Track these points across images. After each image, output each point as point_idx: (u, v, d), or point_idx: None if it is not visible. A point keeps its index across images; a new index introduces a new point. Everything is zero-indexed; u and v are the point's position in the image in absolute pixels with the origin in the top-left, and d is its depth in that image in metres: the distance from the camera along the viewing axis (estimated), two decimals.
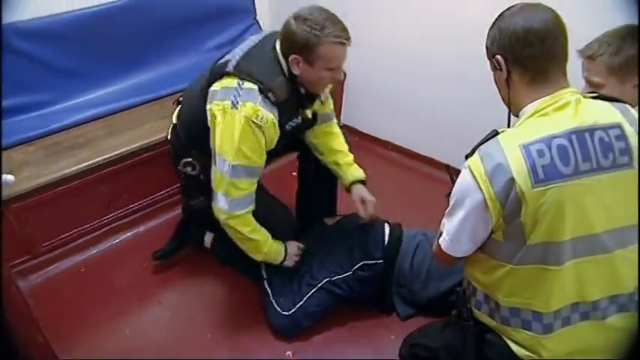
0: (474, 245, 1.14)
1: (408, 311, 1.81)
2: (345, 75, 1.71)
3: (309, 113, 1.71)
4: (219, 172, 1.58)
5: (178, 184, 2.38)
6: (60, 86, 2.36)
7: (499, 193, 1.02)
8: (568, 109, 1.04)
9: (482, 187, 1.03)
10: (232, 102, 1.49)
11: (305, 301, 1.74)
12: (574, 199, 1.01)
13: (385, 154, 2.77)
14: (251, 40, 1.64)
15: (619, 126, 1.04)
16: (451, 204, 1.14)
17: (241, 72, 1.52)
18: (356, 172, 1.89)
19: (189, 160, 1.75)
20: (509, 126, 1.16)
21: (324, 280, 1.75)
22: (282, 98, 1.53)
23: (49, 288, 2.03)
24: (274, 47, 1.56)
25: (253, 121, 1.49)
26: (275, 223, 1.76)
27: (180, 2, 2.65)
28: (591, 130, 1.03)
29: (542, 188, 1.00)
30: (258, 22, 3.05)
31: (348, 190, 1.90)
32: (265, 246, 1.72)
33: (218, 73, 1.57)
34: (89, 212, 2.20)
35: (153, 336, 1.84)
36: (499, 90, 1.17)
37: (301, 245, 1.87)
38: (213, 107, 1.54)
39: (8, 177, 1.66)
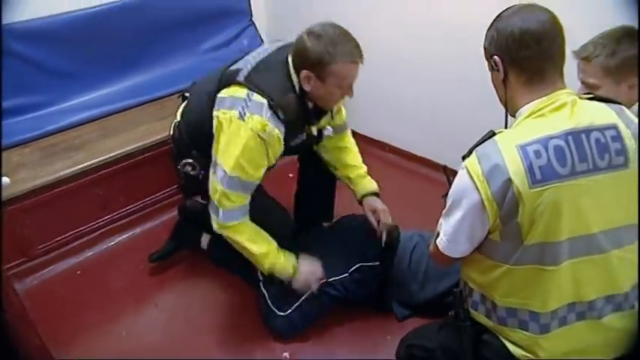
0: (471, 246, 1.14)
1: (405, 312, 1.82)
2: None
3: (314, 130, 1.70)
4: (216, 181, 1.57)
5: (174, 186, 2.38)
6: (55, 88, 2.36)
7: (496, 193, 1.02)
8: (564, 110, 1.05)
9: (480, 188, 1.03)
10: (240, 112, 1.48)
11: (301, 302, 1.74)
12: (571, 200, 1.02)
13: (382, 156, 2.77)
14: (265, 50, 1.63)
15: (615, 127, 1.05)
16: (448, 204, 1.14)
17: (252, 83, 1.51)
18: (368, 185, 1.87)
19: (190, 160, 1.74)
20: (506, 127, 1.17)
21: (321, 282, 1.75)
22: (291, 116, 1.53)
23: (44, 290, 2.02)
24: (287, 60, 1.55)
25: (259, 135, 1.48)
26: (273, 224, 1.75)
27: (176, 4, 2.66)
28: (587, 131, 1.03)
29: (539, 189, 1.00)
30: (254, 23, 3.06)
31: (361, 203, 1.88)
32: (265, 259, 1.64)
33: (228, 81, 1.55)
34: (85, 214, 2.20)
35: (149, 338, 1.84)
36: (496, 90, 1.17)
37: (321, 276, 1.73)
38: (220, 115, 1.52)
39: (4, 179, 1.66)
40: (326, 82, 1.49)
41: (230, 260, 2.01)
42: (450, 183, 1.15)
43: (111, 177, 2.17)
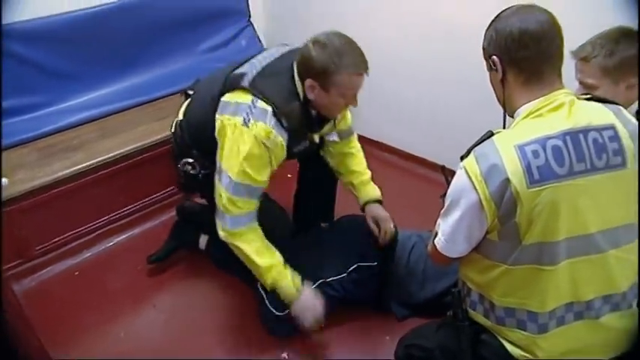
0: (469, 246, 1.14)
1: (404, 312, 1.82)
2: None
3: (316, 137, 1.70)
4: (221, 187, 1.55)
5: (173, 187, 2.39)
6: (53, 88, 2.36)
7: (494, 193, 1.02)
8: (562, 110, 1.05)
9: (478, 188, 1.04)
10: (244, 119, 1.47)
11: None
12: (568, 200, 1.02)
13: (380, 156, 2.77)
14: (271, 54, 1.62)
15: (612, 127, 1.05)
16: (446, 204, 1.14)
17: (256, 89, 1.50)
18: (371, 192, 1.86)
19: (190, 160, 1.73)
20: (504, 127, 1.17)
21: (319, 282, 1.75)
22: (294, 125, 1.52)
23: (42, 291, 2.02)
24: (292, 67, 1.54)
25: (263, 142, 1.48)
26: (271, 224, 1.75)
27: (174, 4, 2.66)
28: (585, 131, 1.04)
29: (537, 189, 1.00)
30: (252, 24, 3.06)
31: (363, 210, 1.87)
32: (268, 272, 1.59)
33: (232, 85, 1.54)
34: (83, 215, 2.20)
35: (147, 339, 1.84)
36: (494, 90, 1.18)
37: (319, 315, 1.64)
38: (225, 120, 1.51)
39: (2, 180, 1.65)
40: (330, 92, 1.48)
41: (228, 261, 2.01)
42: (449, 183, 1.15)
43: (109, 178, 2.17)
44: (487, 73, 1.18)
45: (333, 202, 2.08)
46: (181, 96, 1.89)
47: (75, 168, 2.07)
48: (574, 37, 1.33)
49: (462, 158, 1.10)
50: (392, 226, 1.80)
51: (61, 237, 2.15)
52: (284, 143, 1.53)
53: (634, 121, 1.10)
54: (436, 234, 1.19)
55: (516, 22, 1.07)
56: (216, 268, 2.06)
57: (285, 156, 1.58)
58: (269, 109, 1.48)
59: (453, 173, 1.14)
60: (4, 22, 2.05)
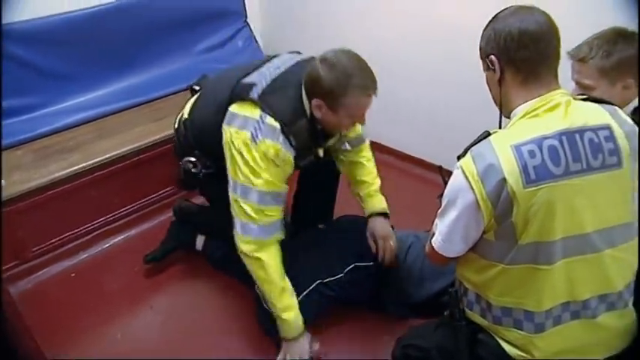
0: (465, 245, 1.14)
1: (401, 312, 1.82)
2: None
3: (321, 152, 1.69)
4: (244, 200, 1.51)
5: (170, 188, 2.39)
6: (49, 89, 2.35)
7: (491, 193, 1.03)
8: (558, 111, 1.06)
9: (474, 188, 1.04)
10: (252, 135, 1.46)
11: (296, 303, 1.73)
12: (564, 199, 1.02)
13: (378, 157, 2.75)
14: (282, 64, 1.60)
15: (608, 127, 1.06)
16: (443, 204, 1.15)
17: (265, 103, 1.48)
18: (377, 204, 1.83)
19: (192, 159, 1.73)
20: (500, 127, 1.17)
21: (316, 282, 1.75)
22: (302, 143, 1.52)
23: (39, 293, 2.02)
24: (301, 82, 1.51)
25: (272, 160, 1.47)
26: None
27: (171, 5, 2.65)
28: (581, 131, 1.04)
29: (533, 188, 1.01)
30: (249, 24, 3.06)
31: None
32: (284, 295, 1.58)
33: (241, 94, 1.52)
34: (80, 216, 2.19)
35: (144, 340, 1.83)
36: (490, 90, 1.18)
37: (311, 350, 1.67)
38: (233, 134, 1.49)
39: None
40: (338, 113, 1.47)
41: (226, 261, 2.02)
42: (446, 183, 1.15)
43: (106, 179, 2.17)
44: (484, 74, 1.18)
45: (332, 203, 2.08)
46: (187, 91, 1.87)
47: (71, 169, 2.07)
48: (574, 38, 1.35)
49: (458, 158, 1.10)
50: (392, 243, 1.77)
51: (58, 238, 2.14)
52: (292, 159, 1.52)
53: (630, 121, 1.10)
54: (433, 234, 1.20)
55: (515, 22, 1.07)
56: (213, 269, 2.06)
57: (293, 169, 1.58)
58: (277, 126, 1.47)
59: (450, 174, 1.14)
60: (2, 22, 2.04)
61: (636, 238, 1.11)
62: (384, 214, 1.83)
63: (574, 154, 1.02)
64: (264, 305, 1.70)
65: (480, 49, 1.16)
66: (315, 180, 1.97)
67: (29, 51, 2.24)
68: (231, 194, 1.55)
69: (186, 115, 1.77)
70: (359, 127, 1.82)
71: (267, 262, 1.55)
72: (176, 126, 1.82)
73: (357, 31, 2.62)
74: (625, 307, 1.13)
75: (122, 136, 2.27)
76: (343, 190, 1.99)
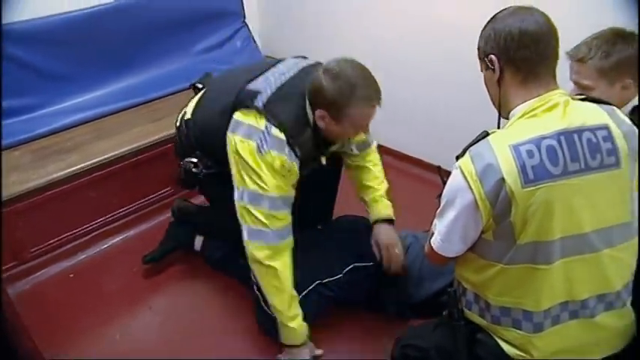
0: (464, 245, 1.15)
1: (400, 312, 1.82)
2: None
3: (323, 160, 1.69)
4: (255, 208, 1.50)
5: (168, 188, 2.39)
6: (47, 89, 2.35)
7: (489, 193, 1.03)
8: (557, 111, 1.06)
9: (473, 187, 1.04)
10: (258, 145, 1.46)
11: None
12: (563, 199, 1.02)
13: None
14: (287, 69, 1.59)
15: (606, 127, 1.06)
16: (442, 204, 1.15)
17: (270, 113, 1.47)
18: (382, 211, 1.81)
19: (194, 160, 1.72)
20: (499, 127, 1.18)
21: (315, 283, 1.75)
22: (307, 154, 1.52)
23: (37, 294, 2.01)
24: (305, 91, 1.50)
25: (278, 170, 1.47)
26: None
27: (169, 5, 2.65)
28: (579, 131, 1.04)
29: (531, 188, 1.01)
30: (247, 24, 3.06)
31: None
32: (294, 303, 1.59)
33: (245, 101, 1.51)
34: (78, 217, 2.18)
35: (143, 340, 1.83)
36: (488, 90, 1.18)
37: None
38: (238, 142, 1.49)
39: None
40: (341, 124, 1.47)
41: (225, 261, 2.02)
42: (444, 183, 1.15)
43: (104, 179, 2.16)
44: (481, 72, 1.18)
45: (332, 205, 2.07)
46: (187, 91, 1.86)
47: (69, 170, 2.06)
48: (575, 38, 1.35)
49: (457, 158, 1.10)
50: (397, 251, 1.74)
51: (56, 239, 2.14)
52: (297, 169, 1.53)
53: (628, 121, 1.11)
54: (432, 234, 1.20)
55: (516, 22, 1.07)
56: (212, 269, 2.05)
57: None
58: (283, 138, 1.46)
59: (448, 174, 1.14)
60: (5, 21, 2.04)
61: (635, 238, 1.12)
62: (389, 221, 1.81)
63: (572, 154, 1.03)
64: (264, 307, 1.70)
65: (479, 48, 1.16)
66: (316, 181, 1.96)
67: (27, 52, 2.24)
68: (238, 202, 1.54)
69: (189, 115, 1.76)
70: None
71: (281, 271, 1.55)
72: (178, 124, 1.81)
73: (356, 31, 2.62)
74: (623, 307, 1.14)
75: (120, 137, 2.27)
76: (343, 190, 1.98)
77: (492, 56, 1.11)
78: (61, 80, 2.38)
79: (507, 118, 1.14)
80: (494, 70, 1.12)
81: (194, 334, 1.83)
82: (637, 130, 1.10)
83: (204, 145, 1.69)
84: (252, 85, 1.54)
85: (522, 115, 1.08)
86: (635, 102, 1.39)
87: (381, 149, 2.75)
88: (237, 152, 1.49)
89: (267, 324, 1.75)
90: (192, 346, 1.79)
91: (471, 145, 1.09)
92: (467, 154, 1.07)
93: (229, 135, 1.52)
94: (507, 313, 1.14)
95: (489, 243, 1.10)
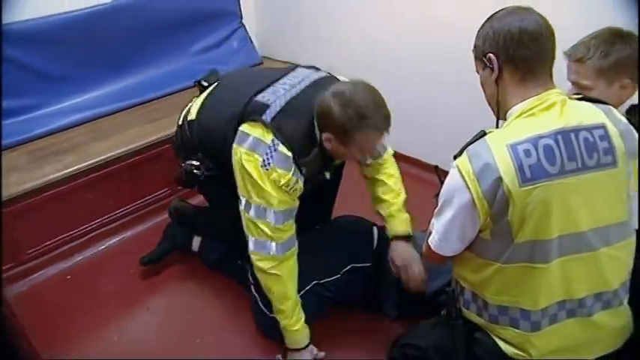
0: (462, 244, 1.15)
1: (398, 312, 1.82)
2: None
3: (327, 175, 1.68)
4: (261, 221, 1.50)
5: (165, 189, 2.38)
6: (44, 90, 2.34)
7: (487, 192, 1.03)
8: (554, 110, 1.06)
9: (470, 187, 1.04)
10: (264, 161, 1.44)
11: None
12: (560, 198, 1.03)
13: None
14: (298, 81, 1.57)
15: (603, 126, 1.07)
16: (440, 203, 1.15)
17: (278, 129, 1.45)
18: (399, 227, 1.76)
19: (196, 163, 1.70)
20: (497, 126, 1.18)
21: (313, 283, 1.75)
22: (312, 172, 1.53)
23: (34, 295, 2.00)
24: (313, 109, 1.48)
25: (282, 187, 1.47)
26: None
27: (166, 6, 2.65)
28: (576, 131, 1.05)
29: (529, 187, 1.01)
30: (244, 25, 3.06)
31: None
32: (297, 308, 1.60)
33: (253, 114, 1.49)
34: (75, 218, 2.18)
35: (141, 342, 1.82)
36: (485, 90, 1.19)
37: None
38: (243, 155, 1.47)
39: None
40: (348, 147, 1.46)
41: (222, 262, 2.01)
42: (442, 183, 1.16)
43: (101, 180, 2.16)
44: (477, 72, 1.19)
45: (332, 207, 2.07)
46: (195, 85, 1.81)
47: (66, 171, 2.06)
48: (575, 38, 1.36)
49: (454, 157, 1.10)
50: (415, 269, 1.68)
51: (53, 240, 2.13)
52: (301, 185, 1.52)
53: (624, 120, 1.11)
54: (430, 233, 1.20)
55: (515, 21, 1.08)
56: (209, 270, 2.05)
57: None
58: (290, 155, 1.45)
59: (446, 173, 1.15)
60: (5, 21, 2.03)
61: (632, 237, 1.12)
62: (407, 237, 1.77)
63: (569, 153, 1.03)
64: (262, 307, 1.70)
65: (476, 47, 1.16)
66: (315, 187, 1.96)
67: (24, 52, 2.23)
68: (244, 214, 1.54)
69: (193, 116, 1.72)
70: None
71: (285, 278, 1.55)
72: (180, 123, 1.79)
73: (353, 32, 2.62)
74: (620, 306, 1.14)
75: (117, 138, 2.27)
76: (343, 190, 1.98)
77: (491, 55, 1.11)
78: (58, 81, 2.37)
79: (504, 119, 1.15)
80: (492, 68, 1.12)
81: (192, 335, 1.83)
82: (633, 129, 1.10)
83: (206, 148, 1.68)
84: (261, 97, 1.52)
85: (520, 115, 1.09)
86: (633, 101, 1.39)
87: None
88: (242, 165, 1.48)
89: (265, 324, 1.76)
90: (190, 346, 1.78)
91: (468, 144, 1.09)
92: (464, 154, 1.07)
93: (235, 147, 1.50)
94: (505, 312, 1.14)
95: (487, 242, 1.10)
